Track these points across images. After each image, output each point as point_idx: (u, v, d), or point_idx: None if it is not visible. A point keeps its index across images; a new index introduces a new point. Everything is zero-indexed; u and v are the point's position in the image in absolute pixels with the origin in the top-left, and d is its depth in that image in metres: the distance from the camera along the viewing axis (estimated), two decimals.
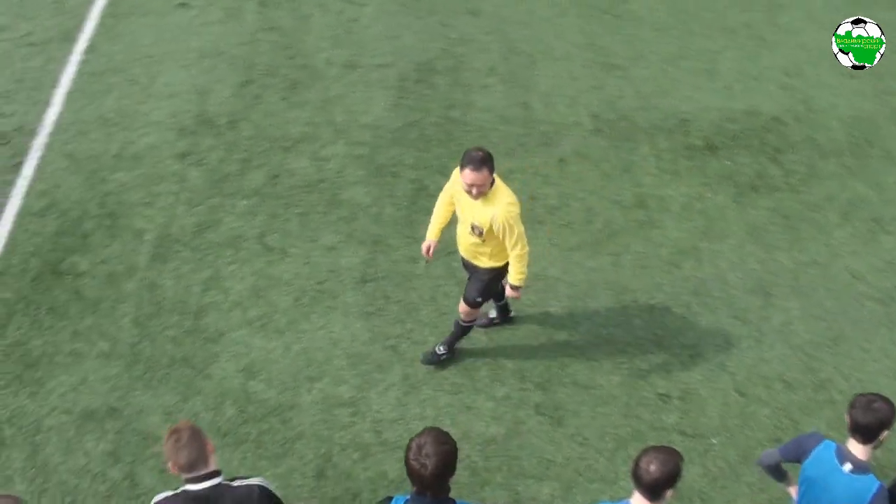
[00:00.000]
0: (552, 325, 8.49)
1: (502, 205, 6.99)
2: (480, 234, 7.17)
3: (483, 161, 6.78)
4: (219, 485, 5.07)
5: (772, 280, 9.08)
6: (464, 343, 8.26)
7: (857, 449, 5.37)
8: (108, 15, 11.99)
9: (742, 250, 9.36)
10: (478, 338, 8.36)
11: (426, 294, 8.76)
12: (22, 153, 10.25)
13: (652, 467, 4.83)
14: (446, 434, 4.93)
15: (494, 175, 7.04)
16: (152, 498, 7.37)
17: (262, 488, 5.10)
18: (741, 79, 11.83)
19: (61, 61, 11.42)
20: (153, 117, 10.52)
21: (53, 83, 11.10)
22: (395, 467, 7.50)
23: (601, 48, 11.12)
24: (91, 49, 11.55)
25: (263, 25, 11.56)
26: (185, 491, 5.12)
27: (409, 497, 5.09)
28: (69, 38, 11.74)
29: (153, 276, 8.96)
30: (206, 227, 9.34)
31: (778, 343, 8.46)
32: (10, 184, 9.95)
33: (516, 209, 7.08)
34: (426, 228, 8.87)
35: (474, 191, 6.89)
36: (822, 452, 5.52)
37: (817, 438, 5.64)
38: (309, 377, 8.14)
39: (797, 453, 5.68)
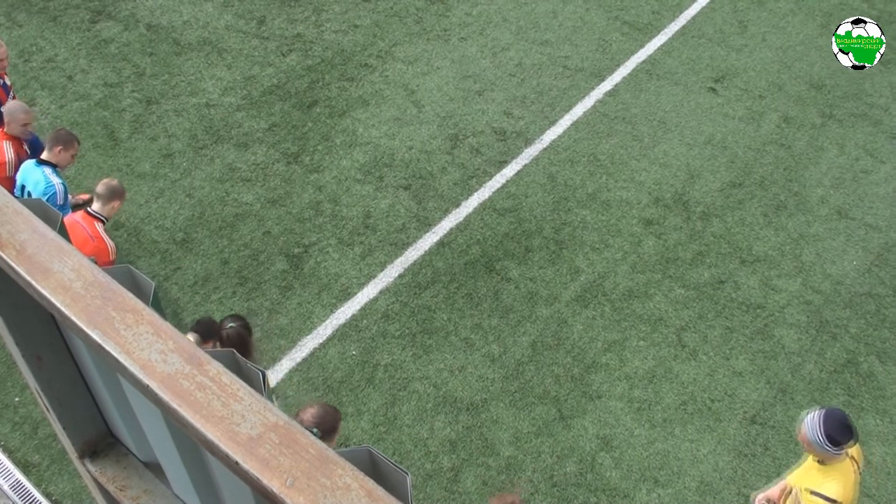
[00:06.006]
0: None
1: None
2: None
3: None
4: None
5: None
6: None
7: None
8: (643, 70, 12.41)
9: None
10: None
11: None
12: (511, 155, 10.93)
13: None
14: None
15: None
16: (463, 495, 7.72)
17: None
18: None
19: (583, 92, 12.00)
20: (638, 176, 10.76)
21: (567, 108, 11.70)
22: None
23: None
24: (613, 93, 12.02)
25: (777, 140, 11.39)
26: None
27: None
28: (599, 75, 12.30)
29: (567, 314, 9.20)
30: (635, 296, 9.39)
31: None
32: (489, 175, 10.66)
33: None
34: (839, 401, 8.36)
35: None
36: None
37: None
38: (655, 479, 7.96)
39: None
